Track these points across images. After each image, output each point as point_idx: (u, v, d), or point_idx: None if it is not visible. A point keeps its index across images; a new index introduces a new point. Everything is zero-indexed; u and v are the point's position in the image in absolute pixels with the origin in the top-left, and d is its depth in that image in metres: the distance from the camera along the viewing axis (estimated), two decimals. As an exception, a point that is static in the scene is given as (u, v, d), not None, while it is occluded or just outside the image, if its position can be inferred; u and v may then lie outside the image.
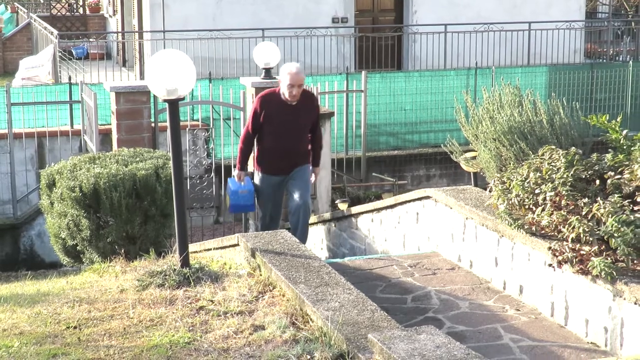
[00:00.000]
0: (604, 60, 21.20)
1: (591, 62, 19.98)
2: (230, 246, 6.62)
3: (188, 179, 11.47)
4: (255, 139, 8.65)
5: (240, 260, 6.30)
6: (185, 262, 5.93)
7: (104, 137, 12.15)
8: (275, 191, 8.69)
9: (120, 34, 21.58)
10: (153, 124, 10.94)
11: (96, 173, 7.98)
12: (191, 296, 5.56)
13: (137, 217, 8.09)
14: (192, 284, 5.75)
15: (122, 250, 7.53)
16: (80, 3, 27.09)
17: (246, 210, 9.08)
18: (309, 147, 8.71)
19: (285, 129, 8.41)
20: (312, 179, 8.74)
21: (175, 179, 5.89)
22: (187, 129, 11.95)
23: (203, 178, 11.78)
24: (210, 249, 7.13)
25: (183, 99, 5.98)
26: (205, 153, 12.71)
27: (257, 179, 8.73)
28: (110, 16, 24.59)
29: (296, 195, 8.45)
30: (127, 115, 10.67)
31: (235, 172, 8.71)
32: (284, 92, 8.34)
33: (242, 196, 8.70)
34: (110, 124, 11.29)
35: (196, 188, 11.64)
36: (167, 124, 5.97)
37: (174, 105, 5.85)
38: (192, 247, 7.26)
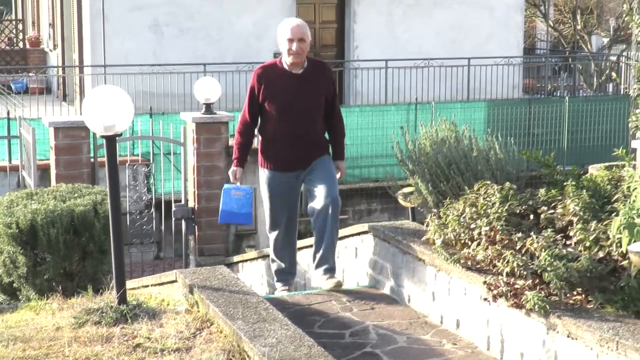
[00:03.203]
0: (542, 96, 21.58)
1: (529, 97, 20.34)
2: (169, 282, 6.59)
3: (128, 215, 11.41)
4: (255, 129, 7.02)
5: (178, 296, 6.27)
6: (122, 299, 5.89)
7: (43, 173, 12.05)
8: (288, 193, 6.97)
9: (60, 69, 21.45)
10: (92, 160, 10.89)
11: (33, 209, 7.90)
12: (128, 333, 5.51)
13: (75, 254, 8.01)
14: (129, 321, 5.71)
15: (60, 287, 7.45)
16: (20, 37, 26.88)
17: (239, 222, 7.19)
18: (326, 134, 7.08)
19: (292, 107, 6.74)
20: (337, 175, 7.06)
21: (113, 215, 5.86)
22: (127, 164, 11.90)
23: (143, 213, 11.72)
24: (148, 286, 7.09)
25: (121, 134, 5.97)
26: (146, 188, 12.66)
27: (263, 179, 7.00)
28: (50, 50, 24.42)
29: (320, 191, 6.78)
30: (66, 151, 10.62)
31: (230, 170, 7.11)
32: (284, 56, 6.75)
33: (236, 200, 6.92)
34: (49, 160, 11.21)
35: (136, 224, 11.57)
36: (105, 159, 5.94)
37: (111, 141, 5.83)
38: (130, 283, 7.21)
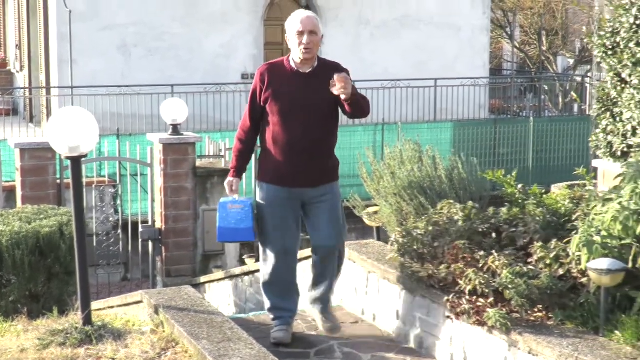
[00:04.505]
0: (509, 116, 21.81)
1: (494, 117, 20.54)
2: (134, 303, 6.60)
3: (95, 236, 11.38)
4: (257, 136, 6.07)
5: (144, 317, 6.28)
6: (87, 320, 5.88)
7: (9, 194, 11.98)
8: (288, 214, 5.96)
9: (27, 90, 21.37)
10: (59, 181, 10.86)
11: (-2, 231, 7.88)
12: (93, 354, 5.51)
13: (40, 275, 7.98)
14: (95, 342, 5.70)
15: (25, 309, 7.41)
16: (-13, 59, 26.77)
17: (240, 239, 6.12)
18: (335, 151, 6.17)
19: (295, 110, 5.83)
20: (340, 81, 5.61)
21: (78, 235, 5.85)
22: (94, 185, 11.89)
23: (110, 235, 11.70)
24: (114, 307, 7.09)
25: (86, 155, 5.98)
26: (113, 210, 12.64)
27: (259, 195, 6.03)
28: (17, 72, 24.34)
29: (323, 233, 6.01)
30: (32, 172, 10.59)
31: (226, 181, 6.13)
32: (294, 53, 5.87)
33: (234, 214, 5.91)
34: (15, 181, 11.17)
35: (103, 245, 11.55)
36: (70, 181, 5.95)
37: (76, 162, 5.84)
38: (96, 304, 7.21)
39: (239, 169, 6.06)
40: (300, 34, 5.77)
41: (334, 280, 6.24)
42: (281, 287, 6.12)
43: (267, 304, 6.22)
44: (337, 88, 5.63)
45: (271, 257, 6.03)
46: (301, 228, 6.17)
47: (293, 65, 5.89)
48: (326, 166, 6.04)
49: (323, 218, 5.98)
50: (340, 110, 5.99)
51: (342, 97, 5.66)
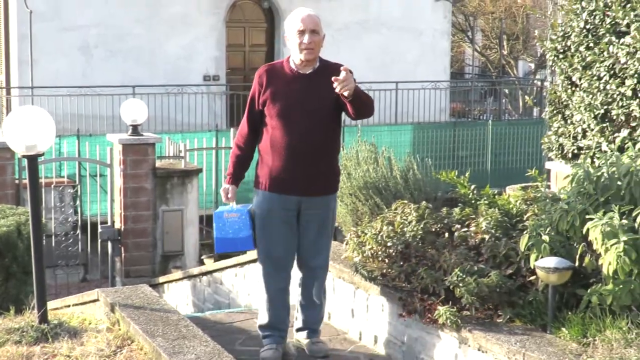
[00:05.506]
0: (469, 119, 22.02)
1: (454, 120, 20.73)
2: (91, 302, 6.63)
3: (53, 236, 11.37)
4: (255, 141, 5.71)
5: (100, 315, 6.31)
6: (43, 318, 5.90)
7: (-33, 194, 11.94)
8: (283, 219, 5.62)
9: (-13, 90, 21.24)
10: (17, 181, 10.85)
11: (-45, 230, 7.86)
12: (48, 352, 5.54)
13: (-3, 275, 7.98)
14: (50, 340, 5.73)
15: (-18, 309, 7.41)
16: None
17: (239, 248, 5.85)
18: (337, 159, 5.82)
19: (293, 112, 5.48)
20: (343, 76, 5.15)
21: (34, 232, 5.88)
22: (53, 185, 11.86)
23: (69, 235, 11.69)
24: (70, 305, 7.11)
25: (43, 154, 6.01)
26: (72, 210, 12.62)
27: (255, 201, 5.72)
28: (-23, 72, 24.17)
29: (310, 248, 5.72)
30: (-10, 172, 10.57)
31: (222, 188, 5.85)
32: (294, 54, 5.52)
33: (231, 223, 5.67)
34: (-27, 181, 11.14)
35: (62, 245, 11.54)
36: (27, 179, 5.97)
37: (33, 161, 5.87)
38: (53, 303, 7.22)
39: (235, 176, 5.74)
40: (301, 33, 5.41)
41: (322, 307, 6.00)
42: (273, 299, 5.82)
43: (259, 319, 5.97)
44: (340, 81, 5.17)
45: (265, 267, 5.75)
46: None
47: (293, 66, 5.53)
48: (326, 175, 5.65)
49: (312, 233, 5.69)
50: (344, 114, 5.61)
51: (345, 94, 5.23)
